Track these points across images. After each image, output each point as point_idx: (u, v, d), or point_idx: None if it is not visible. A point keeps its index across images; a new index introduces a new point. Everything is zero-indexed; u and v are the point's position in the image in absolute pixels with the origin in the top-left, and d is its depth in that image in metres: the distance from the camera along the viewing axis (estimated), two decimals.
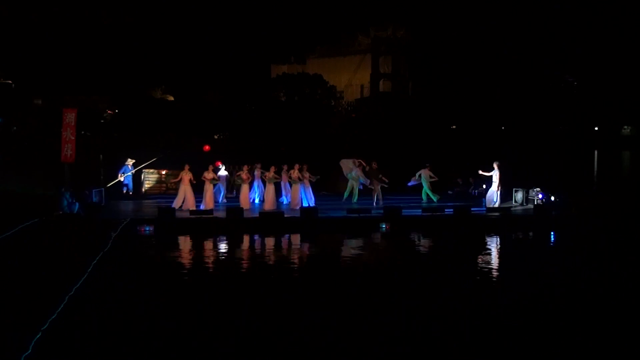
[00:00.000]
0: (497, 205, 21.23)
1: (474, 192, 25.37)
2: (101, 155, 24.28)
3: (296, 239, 18.44)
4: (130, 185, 25.07)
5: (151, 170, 24.85)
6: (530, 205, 22.15)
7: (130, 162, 24.78)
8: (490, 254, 16.93)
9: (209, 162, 21.96)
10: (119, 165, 25.05)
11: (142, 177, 25.50)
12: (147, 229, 18.47)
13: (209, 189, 20.85)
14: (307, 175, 21.63)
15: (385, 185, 22.76)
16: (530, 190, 22.80)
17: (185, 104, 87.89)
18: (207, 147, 24.03)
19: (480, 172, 22.35)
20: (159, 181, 25.37)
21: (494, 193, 21.66)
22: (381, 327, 9.99)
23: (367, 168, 22.76)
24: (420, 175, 23.36)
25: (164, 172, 24.64)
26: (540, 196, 21.93)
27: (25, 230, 16.74)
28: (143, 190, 25.38)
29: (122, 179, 24.57)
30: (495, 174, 21.50)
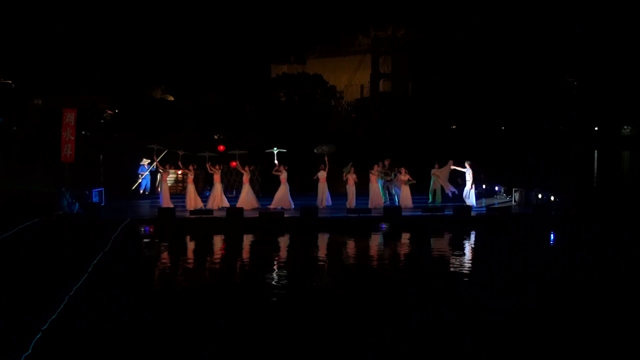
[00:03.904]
0: (473, 204, 21.34)
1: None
2: (101, 155, 24.25)
3: (296, 239, 18.40)
4: (148, 184, 25.09)
5: (171, 171, 24.79)
6: (513, 203, 22.56)
7: (145, 162, 24.76)
8: (489, 255, 16.89)
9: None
10: (129, 165, 24.99)
11: (159, 177, 25.52)
12: (147, 229, 18.46)
13: (191, 189, 20.86)
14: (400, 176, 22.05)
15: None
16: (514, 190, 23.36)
17: (186, 104, 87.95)
18: (221, 148, 23.92)
19: (453, 166, 22.33)
20: (175, 181, 25.26)
21: (468, 192, 21.74)
22: (380, 330, 9.99)
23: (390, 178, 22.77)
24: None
25: (180, 172, 24.58)
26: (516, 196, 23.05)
27: (25, 230, 16.73)
28: (160, 189, 25.40)
29: (141, 179, 24.66)
30: (468, 173, 21.60)
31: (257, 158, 23.34)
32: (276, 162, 21.45)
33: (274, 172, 21.32)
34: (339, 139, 64.10)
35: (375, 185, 21.71)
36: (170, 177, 24.79)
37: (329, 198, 21.58)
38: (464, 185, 25.09)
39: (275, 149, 22.06)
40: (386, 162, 22.42)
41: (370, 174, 21.87)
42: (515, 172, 36.39)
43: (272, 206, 20.78)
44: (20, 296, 10.96)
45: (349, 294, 12.07)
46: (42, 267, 13.20)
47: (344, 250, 16.97)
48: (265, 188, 23.95)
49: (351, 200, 21.26)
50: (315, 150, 22.49)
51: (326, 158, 21.65)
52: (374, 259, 15.88)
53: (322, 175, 21.35)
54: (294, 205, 20.93)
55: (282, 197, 21.00)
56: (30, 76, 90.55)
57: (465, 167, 21.72)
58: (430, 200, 22.94)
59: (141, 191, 24.90)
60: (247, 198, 20.96)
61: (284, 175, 21.04)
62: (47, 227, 17.55)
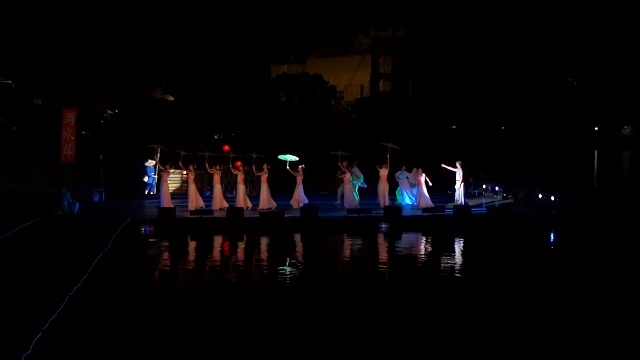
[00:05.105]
0: (464, 203, 21.37)
1: (474, 192, 25.31)
2: (101, 155, 24.23)
3: (296, 239, 18.40)
4: (154, 185, 25.09)
5: (171, 170, 24.81)
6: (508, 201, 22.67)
7: (150, 163, 24.75)
8: (488, 254, 16.89)
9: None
10: (129, 165, 24.94)
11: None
12: (147, 229, 18.44)
13: (192, 189, 20.87)
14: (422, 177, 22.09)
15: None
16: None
17: (186, 104, 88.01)
18: (226, 147, 23.88)
19: (444, 165, 22.31)
20: (181, 181, 25.25)
21: (459, 192, 21.75)
22: (379, 330, 10.00)
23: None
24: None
25: (184, 173, 24.60)
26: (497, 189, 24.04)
27: (25, 230, 16.73)
28: (160, 189, 25.37)
29: (147, 179, 24.65)
30: (458, 173, 21.64)
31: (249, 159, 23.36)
32: (253, 166, 21.65)
33: (257, 174, 21.55)
34: (339, 139, 64.14)
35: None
36: (176, 178, 24.80)
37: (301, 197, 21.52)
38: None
39: (254, 153, 22.19)
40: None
41: (381, 178, 21.86)
42: (515, 172, 36.38)
43: (259, 207, 20.85)
44: (20, 296, 10.96)
45: (349, 294, 12.08)
46: (42, 267, 13.20)
47: (343, 251, 16.98)
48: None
49: (353, 200, 21.27)
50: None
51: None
52: (374, 259, 15.88)
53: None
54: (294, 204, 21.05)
55: (267, 196, 21.12)
56: (30, 76, 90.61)
57: (456, 167, 21.73)
58: (397, 200, 22.76)
59: (146, 192, 24.90)
60: (241, 197, 21.09)
61: (265, 175, 21.18)
62: (47, 227, 17.54)
